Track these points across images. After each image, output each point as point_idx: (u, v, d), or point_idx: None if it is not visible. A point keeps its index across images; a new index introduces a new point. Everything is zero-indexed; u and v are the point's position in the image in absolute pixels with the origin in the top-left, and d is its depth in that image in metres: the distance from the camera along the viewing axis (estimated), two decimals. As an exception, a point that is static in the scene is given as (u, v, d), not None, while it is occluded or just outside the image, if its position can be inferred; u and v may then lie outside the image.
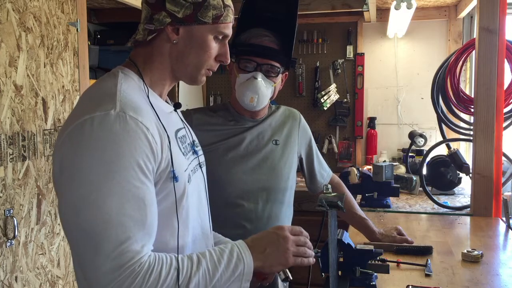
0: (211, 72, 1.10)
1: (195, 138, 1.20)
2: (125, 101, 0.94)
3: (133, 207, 0.89)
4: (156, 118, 0.98)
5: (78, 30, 2.07)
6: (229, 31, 1.07)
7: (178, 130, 1.09)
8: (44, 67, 1.86)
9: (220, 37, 1.06)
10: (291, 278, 1.22)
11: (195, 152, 1.15)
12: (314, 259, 1.12)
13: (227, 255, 0.99)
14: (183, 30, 1.02)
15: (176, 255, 0.95)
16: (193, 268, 0.93)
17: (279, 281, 1.53)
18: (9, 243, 1.66)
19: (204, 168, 1.20)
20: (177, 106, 1.14)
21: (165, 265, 0.91)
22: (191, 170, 1.08)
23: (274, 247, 1.05)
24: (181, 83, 3.56)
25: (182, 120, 1.17)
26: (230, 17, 1.06)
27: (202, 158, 1.20)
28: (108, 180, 0.87)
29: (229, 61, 1.10)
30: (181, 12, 1.00)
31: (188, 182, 1.04)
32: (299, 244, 1.08)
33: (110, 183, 0.87)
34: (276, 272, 1.14)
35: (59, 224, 1.95)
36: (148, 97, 1.01)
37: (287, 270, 1.22)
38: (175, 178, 0.98)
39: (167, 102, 1.13)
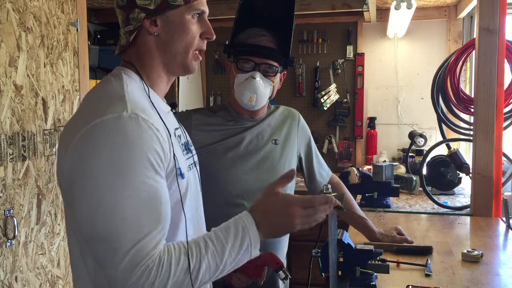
0: (200, 57, 1.10)
1: (189, 138, 1.22)
2: (134, 102, 0.95)
3: (149, 206, 0.91)
4: (159, 118, 1.00)
5: (78, 30, 2.07)
6: (204, 7, 1.07)
7: (175, 129, 1.11)
8: (44, 67, 1.86)
9: (198, 14, 1.06)
10: (290, 276, 1.22)
11: (190, 151, 1.17)
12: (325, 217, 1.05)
13: (233, 232, 0.98)
14: (160, 20, 1.03)
15: (184, 243, 0.95)
16: (202, 252, 0.94)
17: (279, 280, 1.53)
18: (9, 243, 1.66)
19: (198, 167, 1.22)
20: (172, 106, 1.14)
21: (175, 254, 0.92)
22: (187, 168, 1.10)
23: (282, 225, 1.01)
24: (181, 83, 3.57)
25: (177, 120, 1.19)
26: None
27: (196, 158, 1.22)
28: (123, 182, 0.89)
29: (214, 36, 1.09)
30: (152, 3, 1.01)
31: (188, 179, 1.07)
32: (308, 215, 1.01)
33: (126, 185, 0.89)
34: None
35: (59, 224, 1.96)
36: (149, 97, 1.03)
37: (286, 270, 1.23)
38: (181, 175, 1.01)
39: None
